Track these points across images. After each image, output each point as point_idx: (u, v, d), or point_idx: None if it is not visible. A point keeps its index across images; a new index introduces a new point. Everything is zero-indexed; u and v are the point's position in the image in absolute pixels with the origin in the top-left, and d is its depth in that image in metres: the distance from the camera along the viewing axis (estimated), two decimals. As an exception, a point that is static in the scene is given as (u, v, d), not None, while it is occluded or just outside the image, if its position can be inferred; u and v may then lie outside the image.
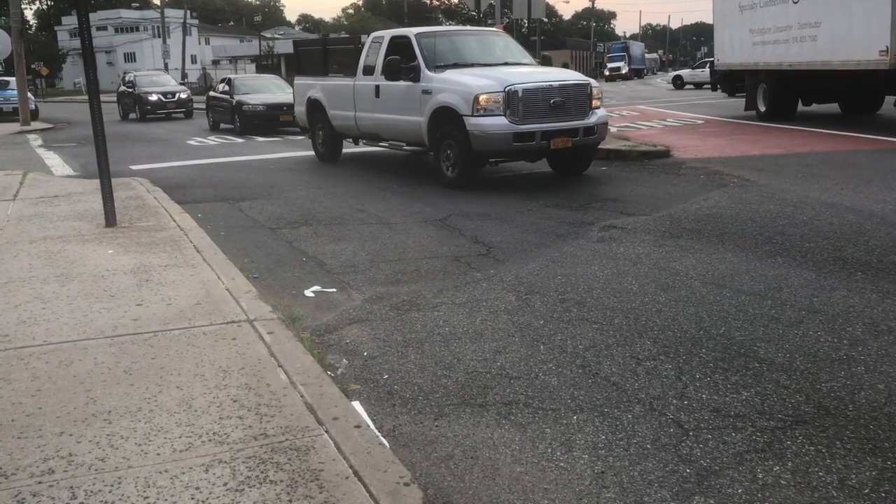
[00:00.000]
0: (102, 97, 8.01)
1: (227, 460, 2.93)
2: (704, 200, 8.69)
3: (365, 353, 4.43)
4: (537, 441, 3.32)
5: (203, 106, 27.13)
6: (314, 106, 13.71)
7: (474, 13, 21.93)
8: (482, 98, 9.63)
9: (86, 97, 7.99)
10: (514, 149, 9.85)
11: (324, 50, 14.07)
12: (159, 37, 58.67)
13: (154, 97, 28.88)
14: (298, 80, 14.69)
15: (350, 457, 2.93)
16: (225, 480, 2.79)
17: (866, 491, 2.86)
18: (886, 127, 14.98)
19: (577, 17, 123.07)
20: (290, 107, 19.13)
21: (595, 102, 10.30)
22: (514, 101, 9.63)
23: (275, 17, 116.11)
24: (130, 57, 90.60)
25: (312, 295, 5.65)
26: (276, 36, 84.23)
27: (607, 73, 68.18)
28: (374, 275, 6.13)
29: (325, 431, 3.15)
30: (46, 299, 5.10)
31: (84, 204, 9.01)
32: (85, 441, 3.11)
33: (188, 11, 63.94)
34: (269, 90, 22.45)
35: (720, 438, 3.28)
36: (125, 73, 36.18)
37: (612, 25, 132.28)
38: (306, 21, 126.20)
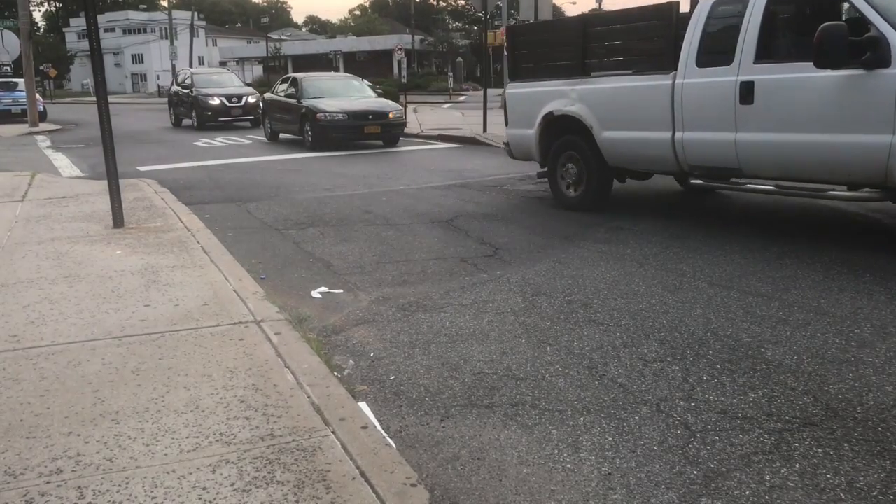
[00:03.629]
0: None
1: (234, 461, 2.94)
2: (711, 201, 8.67)
3: (372, 354, 4.44)
4: (544, 442, 3.32)
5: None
6: (559, 126, 8.76)
7: (481, 14, 21.96)
8: None
9: (93, 98, 8.02)
10: None
11: (583, 34, 8.62)
12: (167, 38, 58.81)
13: (216, 101, 23.51)
14: (516, 89, 9.53)
15: (357, 457, 2.93)
16: (232, 481, 2.79)
17: (875, 493, 2.84)
18: None
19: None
20: (378, 115, 16.69)
21: None
22: None
23: (282, 19, 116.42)
24: (138, 58, 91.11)
25: (319, 296, 5.66)
26: (284, 37, 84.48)
27: None
28: (380, 276, 6.14)
29: (332, 432, 3.15)
30: (54, 300, 5.12)
31: (92, 205, 9.05)
32: (93, 441, 3.12)
33: (195, 13, 64.16)
34: (347, 93, 18.22)
35: (727, 440, 3.27)
36: (179, 70, 31.11)
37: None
38: (313, 22, 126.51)
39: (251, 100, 23.80)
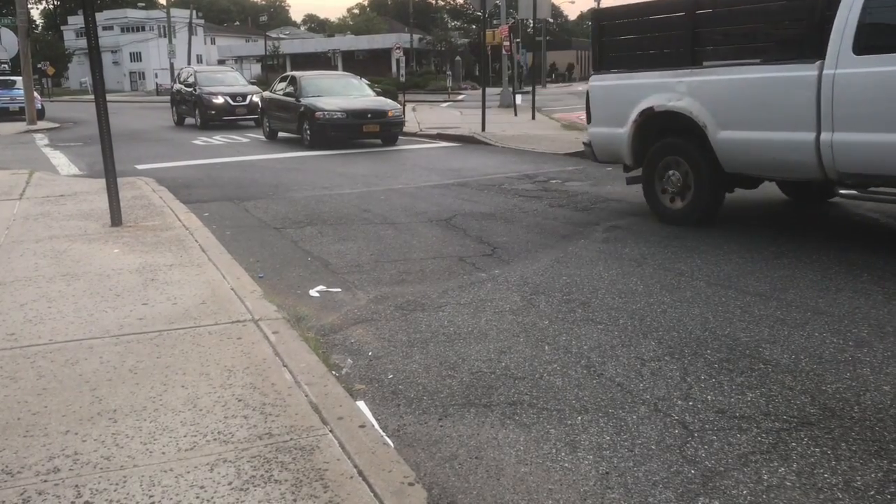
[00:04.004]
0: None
1: (231, 459, 2.93)
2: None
3: (370, 353, 4.44)
4: (542, 441, 3.32)
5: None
6: (659, 125, 7.69)
7: (479, 13, 21.94)
8: None
9: (92, 97, 8.01)
10: None
11: (693, 17, 7.43)
12: (165, 36, 58.73)
13: (220, 100, 23.02)
14: (603, 82, 8.43)
15: (354, 456, 2.93)
16: (230, 479, 2.79)
17: (872, 493, 2.85)
18: None
19: (583, 17, 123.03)
20: (377, 113, 16.67)
21: None
22: None
23: (280, 18, 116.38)
24: (136, 56, 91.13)
25: (317, 295, 5.65)
26: (282, 36, 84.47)
27: None
28: (378, 275, 6.14)
29: (330, 431, 3.15)
30: (52, 298, 5.11)
31: (90, 203, 9.04)
32: (90, 440, 3.11)
33: (194, 11, 64.09)
34: (346, 92, 18.17)
35: (725, 439, 3.27)
36: (182, 68, 29.92)
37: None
38: (312, 21, 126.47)
39: (256, 99, 22.92)
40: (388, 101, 18.78)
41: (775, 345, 4.31)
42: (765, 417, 3.46)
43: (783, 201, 8.44)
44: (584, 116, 9.02)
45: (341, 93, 17.91)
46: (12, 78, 29.16)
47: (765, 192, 8.95)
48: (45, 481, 2.80)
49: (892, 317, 4.68)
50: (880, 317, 4.69)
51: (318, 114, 16.35)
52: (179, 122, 25.38)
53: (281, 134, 19.11)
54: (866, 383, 3.77)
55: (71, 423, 3.27)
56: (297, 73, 19.27)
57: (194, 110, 23.76)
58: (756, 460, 3.10)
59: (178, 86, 25.70)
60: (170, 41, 52.45)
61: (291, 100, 17.66)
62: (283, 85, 19.02)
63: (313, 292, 5.71)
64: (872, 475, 2.96)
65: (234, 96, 23.17)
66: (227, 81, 24.60)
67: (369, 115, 16.57)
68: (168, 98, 28.04)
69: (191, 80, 24.21)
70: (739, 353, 4.21)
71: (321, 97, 17.15)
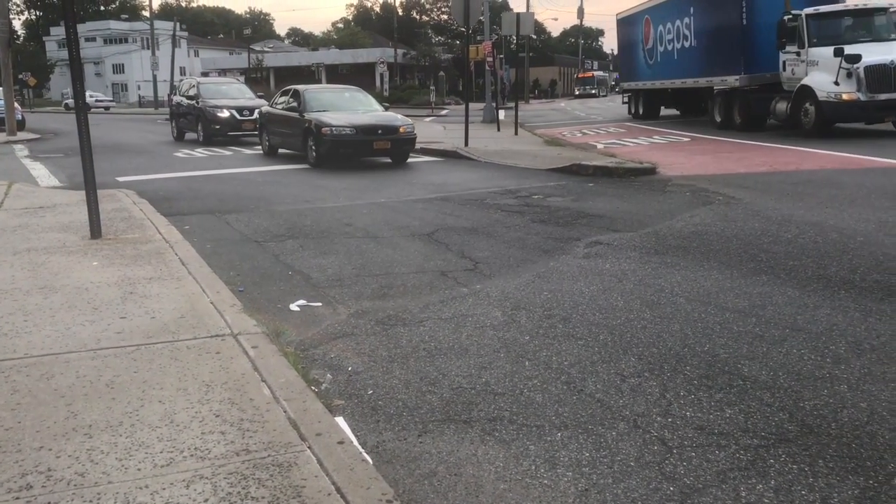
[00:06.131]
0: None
1: (208, 476, 2.90)
2: (690, 218, 8.73)
3: (350, 369, 4.42)
4: (521, 458, 3.31)
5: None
6: None
7: (463, 29, 22.01)
8: None
9: (73, 107, 7.95)
10: None
11: None
12: (148, 48, 58.53)
13: (225, 114, 21.41)
14: None
15: (333, 473, 2.91)
16: (206, 496, 2.76)
17: (848, 510, 2.86)
18: (871, 146, 15.14)
19: (566, 34, 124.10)
20: (388, 129, 15.64)
21: None
22: None
23: (264, 31, 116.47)
24: (119, 68, 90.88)
25: (298, 309, 5.63)
26: (266, 49, 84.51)
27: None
28: (359, 289, 6.12)
29: (308, 447, 3.13)
30: (29, 311, 5.05)
31: (69, 215, 8.96)
32: (64, 456, 3.07)
33: (178, 23, 63.95)
34: (353, 107, 16.92)
35: (704, 456, 3.28)
36: (181, 79, 28.29)
37: (599, 43, 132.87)
38: (296, 35, 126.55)
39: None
40: (399, 116, 17.29)
41: (754, 361, 4.33)
42: (743, 434, 3.47)
43: (761, 217, 8.51)
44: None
45: (348, 107, 16.81)
46: (-8, 88, 28.94)
47: (744, 208, 9.03)
48: (18, 498, 2.76)
49: (868, 334, 4.73)
50: (857, 334, 4.73)
51: (325, 130, 15.17)
52: (179, 137, 23.97)
53: (281, 150, 18.16)
54: (843, 400, 3.79)
55: (45, 438, 3.23)
56: (300, 87, 17.96)
57: (196, 124, 22.34)
58: (734, 477, 3.11)
59: (178, 98, 24.24)
60: (153, 53, 52.29)
61: (294, 115, 16.55)
62: (284, 99, 17.82)
63: (294, 306, 5.68)
64: (849, 492, 2.98)
65: (240, 110, 21.62)
66: (232, 94, 23.12)
67: (380, 132, 15.60)
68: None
69: (192, 91, 22.80)
70: (718, 370, 4.23)
71: (327, 112, 16.06)
